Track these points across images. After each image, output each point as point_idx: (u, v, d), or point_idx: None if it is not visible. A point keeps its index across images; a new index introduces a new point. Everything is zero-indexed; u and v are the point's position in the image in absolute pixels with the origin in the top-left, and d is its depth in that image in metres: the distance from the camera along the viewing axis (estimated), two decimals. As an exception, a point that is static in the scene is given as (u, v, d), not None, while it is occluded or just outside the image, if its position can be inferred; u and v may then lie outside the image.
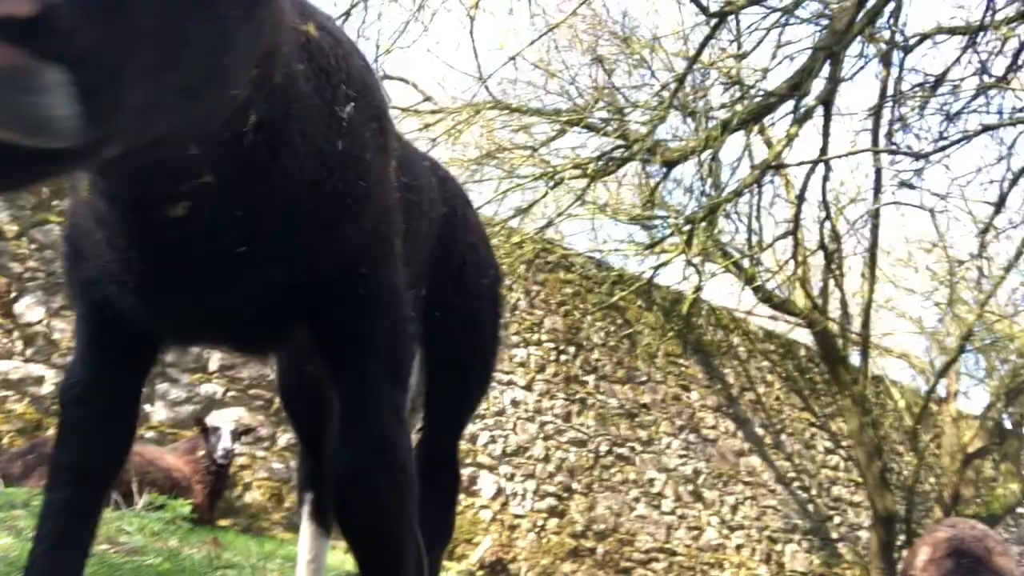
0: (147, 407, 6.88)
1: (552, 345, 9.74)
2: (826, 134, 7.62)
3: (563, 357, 9.80)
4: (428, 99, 8.04)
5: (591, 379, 9.97)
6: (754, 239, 9.07)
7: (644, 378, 10.47)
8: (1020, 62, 7.51)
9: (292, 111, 1.37)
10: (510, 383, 9.25)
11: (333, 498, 1.62)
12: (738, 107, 6.93)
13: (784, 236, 9.19)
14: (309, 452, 2.59)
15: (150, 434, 6.79)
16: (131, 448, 1.74)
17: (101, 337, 1.67)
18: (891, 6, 6.97)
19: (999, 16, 6.98)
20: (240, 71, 1.09)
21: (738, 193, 7.75)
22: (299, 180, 1.44)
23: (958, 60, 7.36)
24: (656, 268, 9.07)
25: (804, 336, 12.08)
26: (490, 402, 9.00)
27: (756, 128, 7.77)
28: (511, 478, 8.94)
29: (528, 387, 9.39)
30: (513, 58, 6.49)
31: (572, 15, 6.96)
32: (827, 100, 7.15)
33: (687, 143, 7.49)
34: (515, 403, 9.23)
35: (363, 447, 1.60)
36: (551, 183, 7.89)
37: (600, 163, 7.77)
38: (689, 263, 8.57)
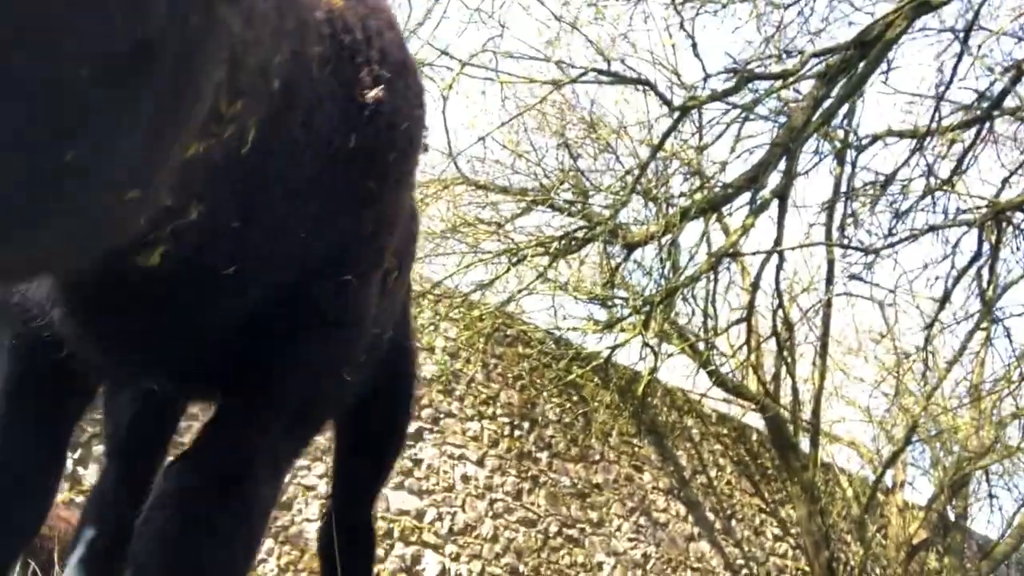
0: (80, 469, 6.55)
1: (506, 420, 9.62)
2: (781, 225, 7.88)
3: (517, 432, 9.68)
4: (396, 170, 8.10)
5: (544, 456, 9.84)
6: (710, 323, 9.20)
7: (597, 457, 10.37)
8: (964, 166, 7.91)
9: (295, 101, 1.17)
10: (462, 457, 9.07)
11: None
12: (697, 196, 7.13)
13: (738, 322, 9.36)
14: None
15: (81, 499, 6.44)
16: (48, 511, 1.52)
17: (28, 375, 1.44)
18: (845, 108, 7.32)
19: (945, 122, 7.39)
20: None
21: (695, 278, 7.90)
22: (297, 176, 1.24)
23: (907, 161, 7.74)
24: (614, 348, 9.12)
25: (756, 421, 12.15)
26: (440, 476, 8.79)
27: (714, 216, 7.99)
28: (456, 558, 8.67)
29: (480, 463, 9.22)
30: (483, 138, 6.65)
31: (542, 101, 7.16)
32: (782, 194, 7.41)
33: (648, 227, 7.66)
34: (466, 479, 9.03)
35: (210, 474, 1.26)
36: (514, 259, 7.96)
37: (563, 242, 7.88)
38: (646, 344, 8.64)
